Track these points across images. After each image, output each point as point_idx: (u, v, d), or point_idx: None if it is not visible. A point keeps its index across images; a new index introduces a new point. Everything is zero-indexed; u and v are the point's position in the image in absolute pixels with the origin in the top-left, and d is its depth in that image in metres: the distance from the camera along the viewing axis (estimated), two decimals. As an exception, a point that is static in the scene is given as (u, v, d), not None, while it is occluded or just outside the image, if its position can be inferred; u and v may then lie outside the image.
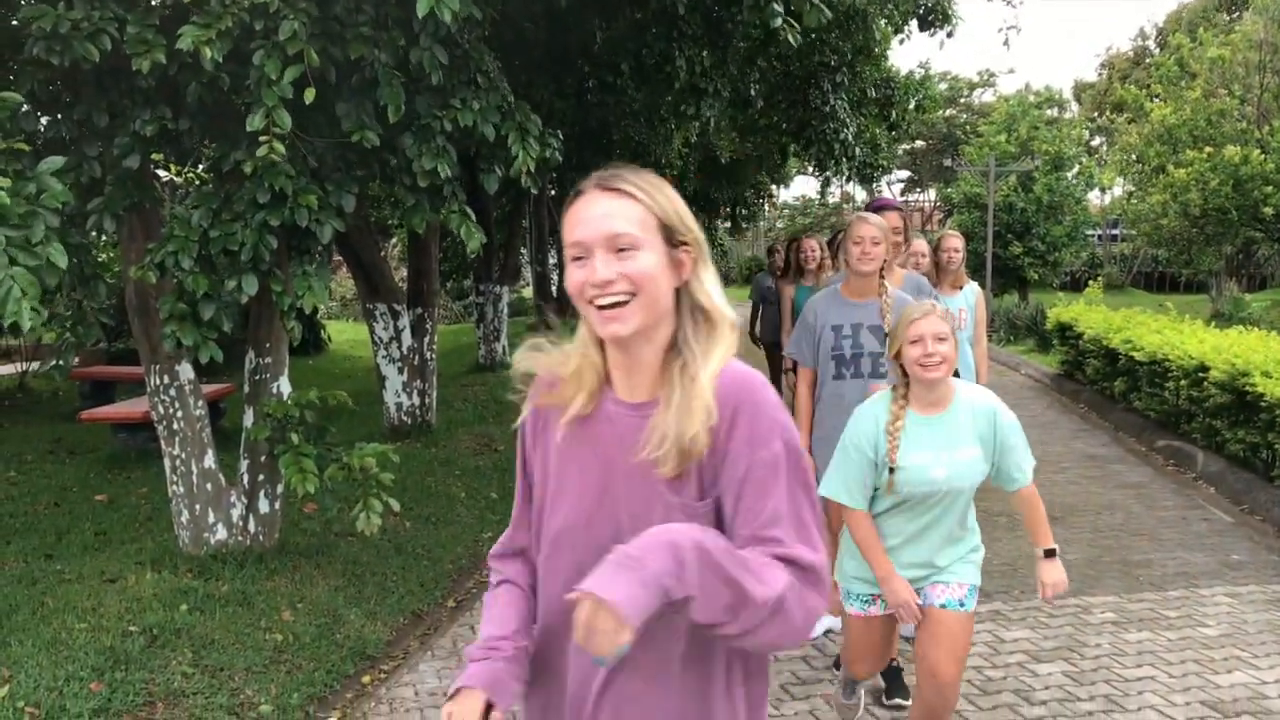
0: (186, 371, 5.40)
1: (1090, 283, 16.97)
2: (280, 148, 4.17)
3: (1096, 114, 36.18)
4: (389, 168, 4.89)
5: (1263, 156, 13.97)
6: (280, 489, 5.55)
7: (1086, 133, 35.96)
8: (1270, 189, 13.72)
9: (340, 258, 8.85)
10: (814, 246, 7.87)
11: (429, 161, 4.55)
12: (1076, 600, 5.50)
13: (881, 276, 4.39)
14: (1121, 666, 4.67)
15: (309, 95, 4.14)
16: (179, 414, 5.38)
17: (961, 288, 6.42)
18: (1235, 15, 29.07)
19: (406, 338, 8.63)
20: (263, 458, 5.48)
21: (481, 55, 4.81)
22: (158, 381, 5.36)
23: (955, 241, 6.45)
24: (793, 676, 4.57)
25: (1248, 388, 7.48)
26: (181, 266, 4.49)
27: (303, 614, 4.90)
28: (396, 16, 4.45)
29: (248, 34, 4.18)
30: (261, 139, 4.14)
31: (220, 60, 4.06)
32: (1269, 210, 13.73)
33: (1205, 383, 8.25)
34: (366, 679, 4.62)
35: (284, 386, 5.55)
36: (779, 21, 5.76)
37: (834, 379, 4.41)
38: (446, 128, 4.58)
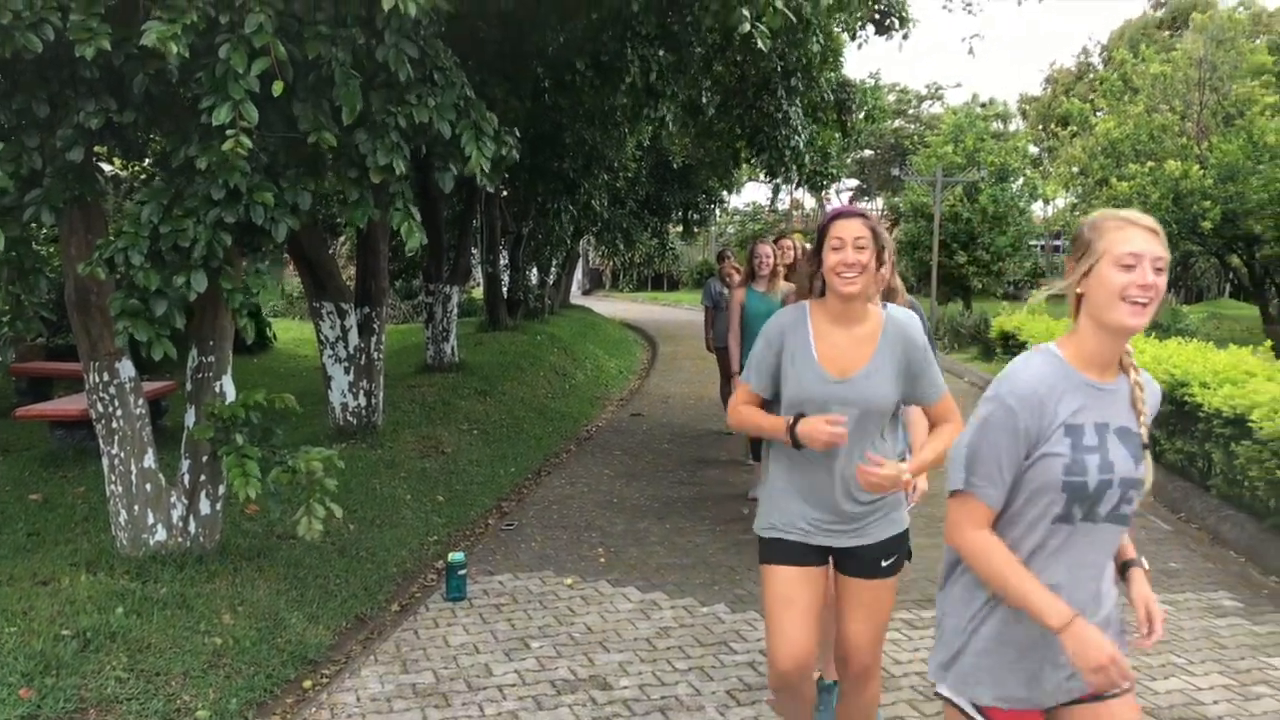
0: (127, 369, 5.29)
1: (1033, 292, 17.18)
2: (247, 142, 4.10)
3: (1041, 127, 36.72)
4: (336, 163, 4.83)
5: (1202, 171, 14.26)
6: (222, 490, 5.46)
7: (1031, 146, 36.53)
8: (1209, 203, 14.01)
9: (287, 255, 8.73)
10: (768, 252, 7.84)
11: (383, 157, 4.49)
12: (1019, 607, 5.55)
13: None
14: (1062, 673, 4.71)
15: (278, 88, 4.08)
16: (118, 412, 5.27)
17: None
18: (1176, 33, 29.68)
19: (353, 337, 8.53)
20: (205, 458, 5.38)
21: (438, 52, 4.76)
22: (97, 378, 5.25)
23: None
24: (739, 682, 4.58)
25: (1186, 398, 7.62)
26: (132, 263, 4.40)
27: (243, 617, 4.81)
28: (357, 14, 4.39)
29: (212, 28, 4.10)
30: (229, 132, 4.07)
31: (186, 56, 3.99)
32: (1207, 224, 14.03)
33: (1145, 393, 8.38)
34: (307, 683, 4.55)
35: (227, 385, 5.46)
36: (747, 27, 5.75)
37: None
38: (401, 124, 4.53)
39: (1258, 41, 19.60)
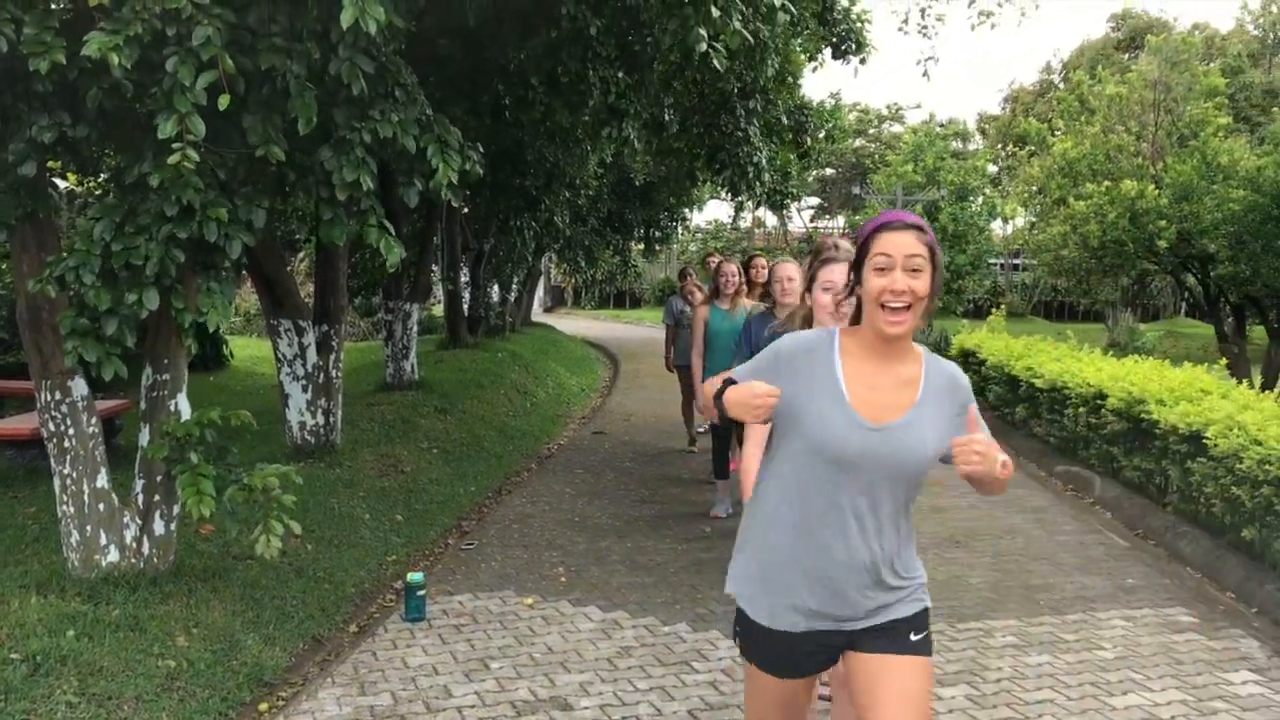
0: (79, 387, 5.20)
1: (993, 310, 17.38)
2: (194, 155, 4.05)
3: (1000, 146, 37.18)
4: (302, 181, 4.78)
5: (1157, 191, 14.48)
6: (177, 510, 5.37)
7: (991, 165, 36.98)
8: (1164, 223, 14.23)
9: (244, 272, 8.65)
10: (734, 270, 7.88)
11: (350, 173, 4.46)
12: (979, 624, 5.58)
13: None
14: (1022, 689, 4.74)
15: (224, 102, 4.03)
16: (70, 431, 5.18)
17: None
18: (1133, 55, 30.18)
19: (311, 355, 8.45)
20: (159, 477, 5.29)
21: (399, 68, 4.74)
22: (49, 397, 5.15)
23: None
24: (701, 702, 4.55)
25: (1143, 415, 7.71)
26: (83, 281, 4.33)
27: (197, 639, 4.73)
28: (313, 27, 4.36)
29: (158, 40, 4.05)
30: (174, 146, 4.02)
31: (129, 67, 3.93)
32: (1163, 243, 14.24)
33: (1103, 410, 8.49)
34: (264, 706, 4.47)
35: (182, 403, 5.38)
36: (704, 46, 5.79)
37: None
38: (366, 139, 4.50)
39: (1211, 64, 19.98)
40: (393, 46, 4.69)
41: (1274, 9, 32.30)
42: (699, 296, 8.78)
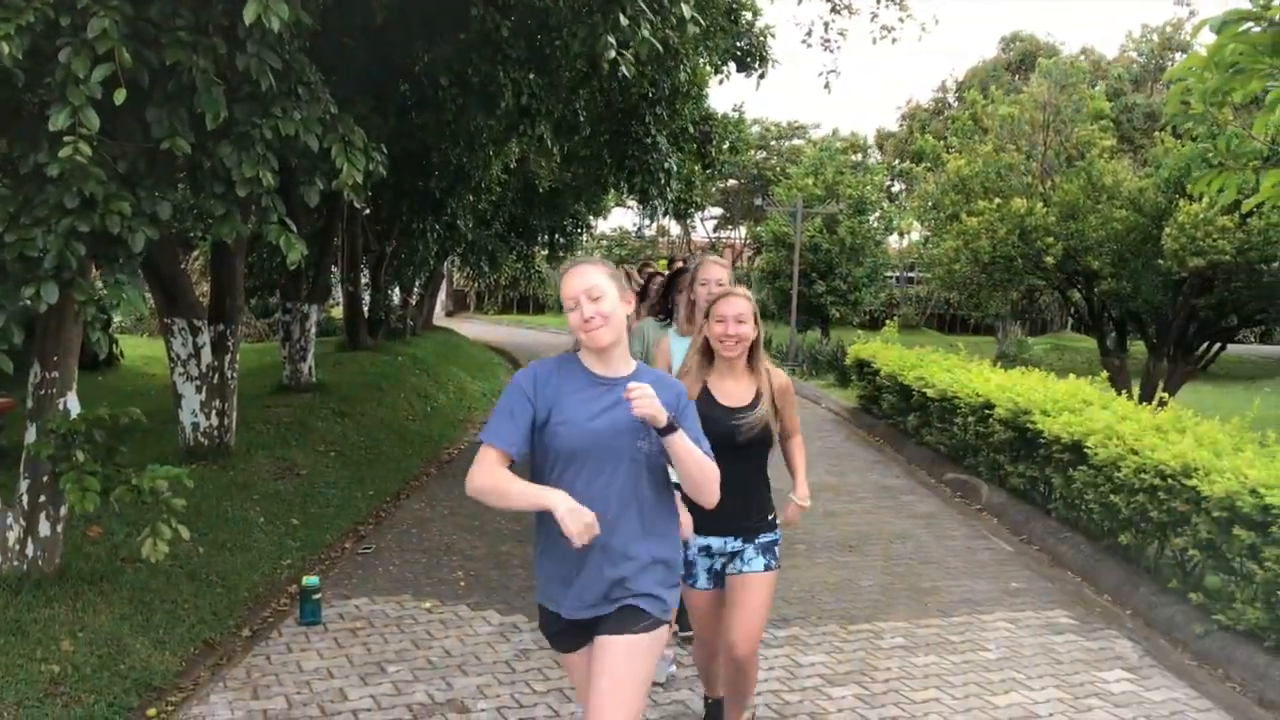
0: (-39, 384, 5.04)
1: (888, 322, 17.76)
2: (86, 149, 3.96)
3: (897, 162, 38.01)
4: (200, 176, 4.70)
5: (1045, 209, 14.95)
6: (63, 511, 5.22)
7: (888, 179, 37.77)
8: (1051, 239, 14.70)
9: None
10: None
11: (249, 169, 4.39)
12: (869, 626, 5.73)
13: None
14: (910, 689, 4.88)
15: (119, 96, 3.95)
16: (-49, 429, 5.01)
17: None
18: (1022, 77, 31.15)
19: (206, 355, 8.27)
20: (45, 477, 5.14)
21: (303, 66, 4.70)
22: (-72, 394, 4.98)
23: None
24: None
25: (1028, 425, 7.98)
26: (-28, 275, 4.20)
27: (83, 644, 4.62)
28: (219, 22, 4.30)
29: (52, 30, 3.96)
30: (66, 139, 3.92)
31: (20, 57, 3.83)
32: (1050, 259, 14.71)
33: (990, 419, 8.76)
34: (152, 711, 4.39)
35: (71, 402, 5.24)
36: (612, 53, 5.84)
37: None
38: (267, 135, 4.45)
39: (1097, 87, 20.71)
40: (297, 44, 4.64)
41: (1155, 37, 33.66)
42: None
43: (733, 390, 3.85)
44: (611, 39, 5.84)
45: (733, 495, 3.25)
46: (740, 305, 3.80)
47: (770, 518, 3.89)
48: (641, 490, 2.92)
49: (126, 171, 4.44)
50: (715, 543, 3.83)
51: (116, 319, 4.44)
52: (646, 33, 5.81)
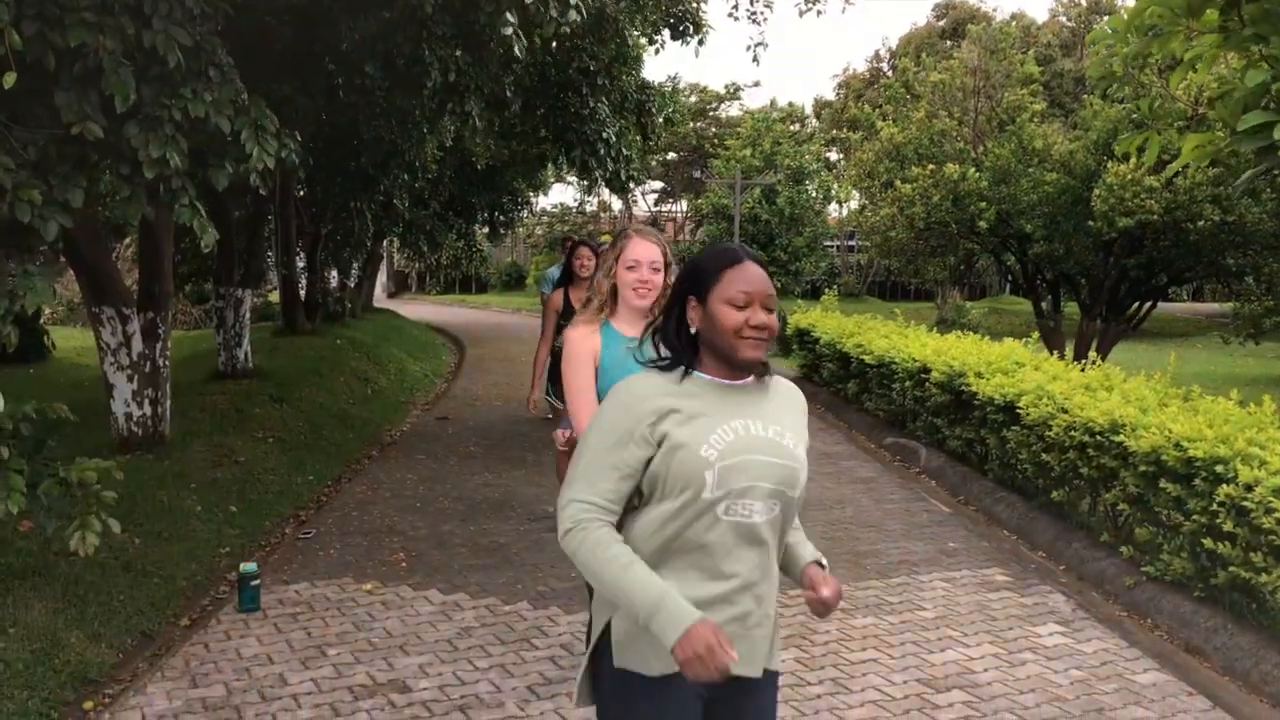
0: (-124, 380, 4.91)
1: (828, 290, 17.89)
2: None
3: (834, 131, 38.21)
4: (107, 159, 4.61)
5: (978, 174, 15.13)
6: (-11, 507, 5.11)
7: (826, 149, 37.98)
8: (984, 204, 14.88)
9: (63, 258, 8.24)
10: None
11: (156, 149, 4.31)
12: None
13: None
14: (848, 650, 4.96)
15: (9, 80, 3.84)
16: None
17: None
18: (956, 43, 31.40)
19: (137, 343, 8.12)
20: (-32, 473, 5.03)
21: (215, 47, 4.61)
22: None
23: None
24: (540, 677, 4.61)
25: (963, 388, 8.10)
26: None
27: (15, 639, 4.54)
28: (125, 1, 4.20)
29: None
30: (-40, 126, 3.83)
31: None
32: (984, 224, 14.89)
33: (927, 384, 8.88)
34: (89, 705, 4.33)
35: (-6, 396, 5.13)
36: (509, 30, 5.80)
37: None
38: (176, 116, 4.36)
39: (1027, 53, 20.94)
40: (208, 26, 4.55)
41: (1083, 2, 34.08)
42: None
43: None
44: (511, 17, 5.80)
45: None
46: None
47: None
48: None
49: (37, 158, 4.34)
50: None
51: (46, 311, 4.33)
52: (554, 12, 5.75)
